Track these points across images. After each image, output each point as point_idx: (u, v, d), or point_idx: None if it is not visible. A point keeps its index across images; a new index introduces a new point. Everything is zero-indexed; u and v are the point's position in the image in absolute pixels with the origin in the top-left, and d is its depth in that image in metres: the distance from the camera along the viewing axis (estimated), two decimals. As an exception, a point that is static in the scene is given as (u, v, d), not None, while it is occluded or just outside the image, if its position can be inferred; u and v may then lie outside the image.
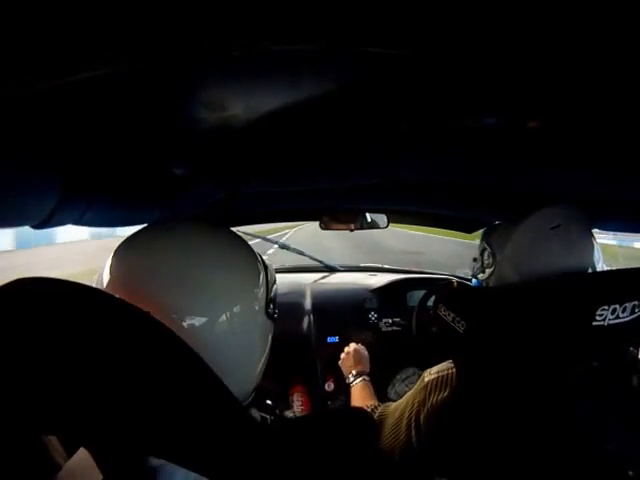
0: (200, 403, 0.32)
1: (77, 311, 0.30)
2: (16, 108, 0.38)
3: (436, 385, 0.64)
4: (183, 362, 0.32)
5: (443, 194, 1.01)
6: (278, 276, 1.87)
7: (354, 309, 1.50)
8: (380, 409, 0.82)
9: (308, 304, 1.52)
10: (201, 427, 0.31)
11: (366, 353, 1.15)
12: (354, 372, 1.06)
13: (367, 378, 1.04)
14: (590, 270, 0.60)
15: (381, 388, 1.28)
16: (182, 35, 0.32)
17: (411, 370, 1.32)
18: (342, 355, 1.17)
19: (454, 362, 0.62)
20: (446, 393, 0.61)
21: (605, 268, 0.65)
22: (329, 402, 1.41)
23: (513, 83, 0.43)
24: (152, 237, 0.44)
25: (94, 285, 0.42)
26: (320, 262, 1.84)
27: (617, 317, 0.52)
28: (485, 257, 0.72)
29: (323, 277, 1.76)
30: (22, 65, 0.32)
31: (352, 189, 1.02)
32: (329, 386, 1.41)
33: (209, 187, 0.83)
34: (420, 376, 1.04)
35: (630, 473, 0.51)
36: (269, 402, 0.51)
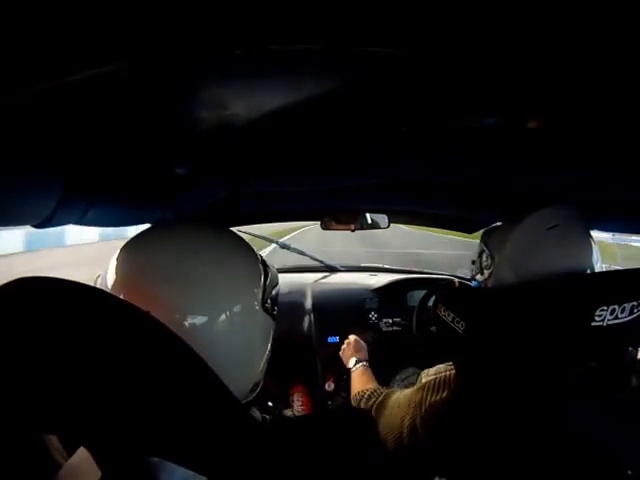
0: (199, 402, 0.32)
1: (76, 310, 0.30)
2: (17, 108, 0.38)
3: (433, 386, 0.64)
4: (183, 361, 0.32)
5: (443, 194, 1.01)
6: (279, 276, 1.86)
7: (354, 309, 1.51)
8: (381, 397, 0.82)
9: (309, 304, 1.52)
10: (200, 426, 0.31)
11: (364, 344, 1.20)
12: (354, 359, 1.11)
13: (366, 364, 1.07)
14: (589, 271, 0.60)
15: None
16: (183, 34, 0.32)
17: (410, 370, 1.32)
18: (343, 347, 1.20)
19: (453, 362, 0.62)
20: (443, 394, 0.61)
21: (604, 268, 0.65)
22: (329, 402, 1.41)
23: (513, 83, 0.43)
24: (155, 238, 0.45)
25: (98, 285, 0.42)
26: (321, 262, 1.84)
27: (616, 317, 0.52)
28: (483, 259, 0.72)
29: (324, 277, 1.76)
30: (21, 65, 0.32)
31: (352, 189, 1.02)
32: (329, 386, 1.41)
33: (209, 187, 0.84)
34: (419, 376, 1.05)
35: (629, 472, 0.51)
36: (270, 404, 0.51)
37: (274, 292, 0.50)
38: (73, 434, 0.33)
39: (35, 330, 0.29)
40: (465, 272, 1.91)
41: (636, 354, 0.59)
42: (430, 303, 1.34)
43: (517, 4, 0.30)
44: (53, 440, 0.37)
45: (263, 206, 1.27)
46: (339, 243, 8.01)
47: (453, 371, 0.63)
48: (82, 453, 0.35)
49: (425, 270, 1.90)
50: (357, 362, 1.09)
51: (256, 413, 0.52)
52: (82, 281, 0.32)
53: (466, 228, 1.37)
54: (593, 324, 0.51)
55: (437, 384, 0.64)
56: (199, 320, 0.40)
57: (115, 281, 0.41)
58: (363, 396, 0.87)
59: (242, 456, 0.33)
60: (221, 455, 0.32)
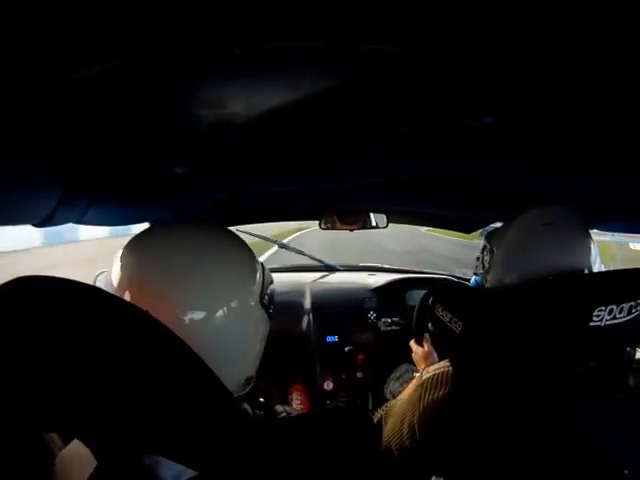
0: (197, 400, 0.32)
1: (75, 310, 0.30)
2: (17, 108, 0.38)
3: (432, 383, 0.64)
4: (181, 360, 0.32)
5: (443, 194, 1.01)
6: (278, 275, 1.86)
7: (353, 309, 1.51)
8: (394, 400, 0.82)
9: (307, 303, 1.52)
10: (197, 423, 0.31)
11: (427, 350, 1.05)
12: (419, 368, 1.03)
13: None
14: (587, 271, 0.60)
15: (379, 387, 1.29)
16: (182, 33, 0.32)
17: (404, 367, 1.30)
18: (413, 348, 1.09)
19: (451, 362, 0.62)
20: (442, 392, 0.61)
21: (603, 268, 0.65)
22: (328, 401, 1.41)
23: (512, 83, 0.43)
24: (157, 237, 0.47)
25: (103, 284, 0.44)
26: (320, 261, 1.85)
27: (614, 318, 0.52)
28: (485, 254, 0.72)
29: (323, 276, 1.76)
30: (21, 64, 0.32)
31: (352, 189, 1.02)
32: (328, 385, 1.42)
33: (209, 187, 0.83)
34: (413, 373, 1.04)
35: (626, 472, 0.51)
36: (262, 399, 0.52)
37: (269, 290, 0.51)
38: (71, 432, 0.33)
39: (34, 329, 0.29)
40: (463, 272, 1.92)
41: (634, 354, 0.59)
42: (430, 303, 1.33)
43: (517, 4, 0.30)
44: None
45: (263, 206, 1.27)
46: (340, 246, 7.83)
47: (452, 368, 0.63)
48: (76, 442, 0.36)
49: (424, 270, 1.90)
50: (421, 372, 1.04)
51: (248, 408, 0.53)
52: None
53: (465, 228, 1.38)
54: (591, 324, 0.52)
55: (435, 381, 0.64)
56: (198, 315, 0.42)
57: (120, 279, 0.43)
58: (387, 404, 0.86)
59: (236, 452, 0.33)
60: (216, 451, 0.32)
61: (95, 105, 0.45)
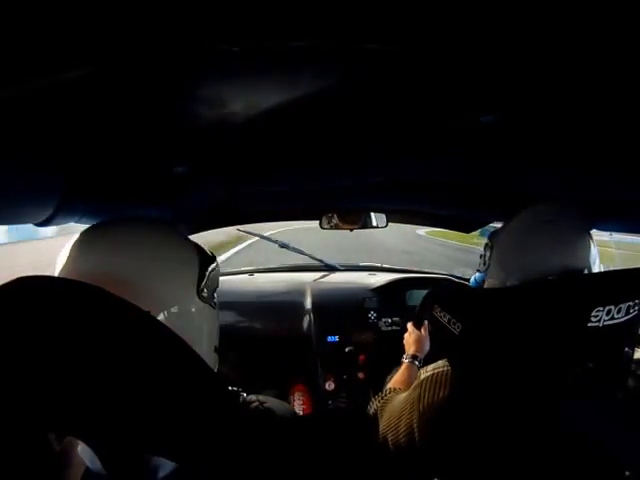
0: (198, 401, 0.32)
1: (76, 310, 0.30)
2: (17, 108, 0.38)
3: (431, 383, 0.64)
4: (182, 360, 0.32)
5: (443, 194, 1.01)
6: (278, 275, 1.86)
7: (354, 308, 1.51)
8: (391, 394, 0.82)
9: (308, 303, 1.52)
10: (200, 423, 0.32)
11: (421, 335, 1.10)
12: (406, 353, 1.07)
13: (413, 360, 1.03)
14: (586, 270, 0.60)
15: (380, 387, 1.29)
16: (182, 32, 0.32)
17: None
18: (406, 335, 1.13)
19: (450, 363, 0.62)
20: (441, 392, 0.61)
21: (602, 269, 0.64)
22: (329, 401, 1.41)
23: (511, 81, 0.43)
24: (92, 236, 0.46)
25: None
26: (320, 261, 1.85)
27: (612, 318, 0.52)
28: (487, 251, 0.72)
29: (323, 276, 1.76)
30: (21, 63, 0.32)
31: (352, 188, 1.02)
32: (329, 385, 1.42)
33: (209, 187, 0.84)
34: (402, 358, 1.04)
35: (627, 473, 0.51)
36: (234, 388, 0.51)
37: (211, 282, 0.50)
38: (71, 431, 0.34)
39: (35, 329, 0.29)
40: (463, 272, 1.92)
41: (633, 354, 0.59)
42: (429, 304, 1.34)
43: (516, 3, 0.30)
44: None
45: (263, 206, 1.27)
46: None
47: (450, 368, 0.63)
48: (71, 440, 0.36)
49: (424, 270, 1.90)
50: (407, 357, 1.05)
51: (247, 407, 0.52)
52: None
53: (465, 227, 1.38)
54: (589, 325, 0.51)
55: (435, 380, 0.64)
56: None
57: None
58: (382, 394, 0.86)
59: (236, 452, 0.33)
60: (216, 451, 0.32)
61: (95, 105, 0.45)
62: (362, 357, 1.44)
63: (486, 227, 1.29)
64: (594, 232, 0.68)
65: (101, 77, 0.37)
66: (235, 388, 0.52)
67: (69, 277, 0.38)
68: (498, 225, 0.79)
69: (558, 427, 0.53)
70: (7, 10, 0.26)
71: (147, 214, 0.76)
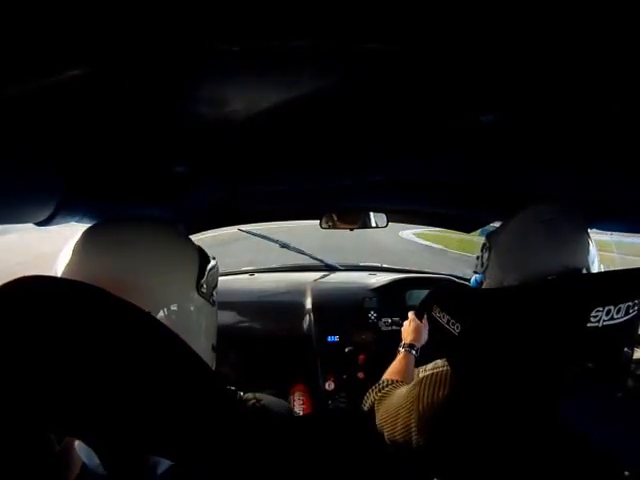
0: (200, 401, 0.32)
1: (76, 310, 0.30)
2: (17, 108, 0.38)
3: (430, 382, 0.64)
4: (183, 361, 0.32)
5: (443, 194, 1.01)
6: (278, 275, 1.86)
7: (354, 308, 1.51)
8: (388, 388, 0.82)
9: (308, 303, 1.53)
10: (201, 424, 0.32)
11: (420, 325, 1.11)
12: (403, 342, 1.07)
13: (411, 350, 1.03)
14: (585, 270, 0.60)
15: None
16: (182, 32, 0.32)
17: None
18: (405, 323, 1.14)
19: (449, 363, 0.62)
20: (440, 392, 0.61)
21: (602, 269, 0.64)
22: (329, 401, 1.41)
23: (511, 80, 0.43)
24: (98, 236, 0.46)
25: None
26: (320, 261, 1.85)
27: (611, 318, 0.52)
28: (484, 252, 0.72)
29: (323, 276, 1.76)
30: (21, 63, 0.32)
31: (352, 188, 1.02)
32: (329, 385, 1.42)
33: (209, 186, 0.84)
34: (398, 347, 1.04)
35: (626, 473, 0.51)
36: (231, 387, 0.51)
37: (211, 279, 0.50)
38: (71, 431, 0.34)
39: (35, 330, 0.29)
40: (463, 272, 1.92)
41: (632, 354, 0.59)
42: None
43: (516, 3, 0.30)
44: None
45: (263, 206, 1.27)
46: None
47: (450, 368, 0.63)
48: (69, 440, 0.36)
49: (424, 270, 1.90)
50: (404, 346, 1.05)
51: (247, 406, 0.52)
52: None
53: (465, 227, 1.38)
54: (589, 325, 0.51)
55: (434, 380, 0.63)
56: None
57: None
58: (379, 385, 0.86)
59: (236, 452, 0.33)
60: (217, 451, 0.32)
61: (95, 105, 0.45)
62: (362, 357, 1.44)
63: (486, 227, 1.29)
64: (594, 232, 0.68)
65: (101, 77, 0.37)
66: (233, 387, 0.52)
67: (73, 277, 0.38)
68: (497, 225, 0.79)
69: (557, 427, 0.53)
70: (7, 10, 0.26)
71: (147, 214, 0.76)
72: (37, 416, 0.30)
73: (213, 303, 0.51)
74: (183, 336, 0.32)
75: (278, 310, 1.54)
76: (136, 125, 0.53)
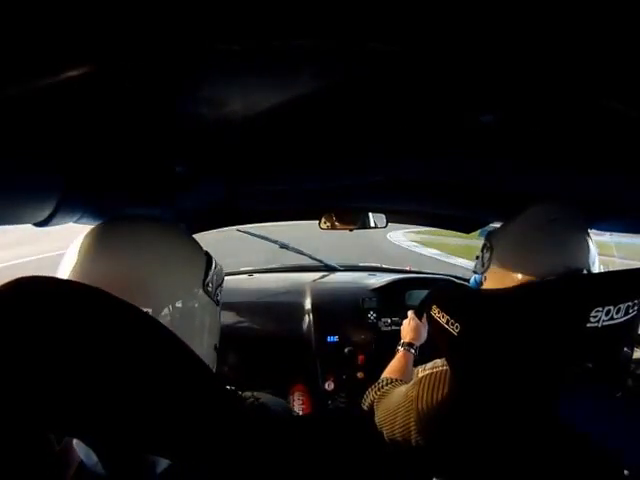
0: (199, 403, 0.32)
1: (75, 312, 0.30)
2: (17, 108, 0.38)
3: (430, 382, 0.64)
4: (182, 362, 0.32)
5: (443, 194, 1.01)
6: (278, 275, 1.86)
7: (353, 309, 1.51)
8: (387, 387, 0.82)
9: (308, 303, 1.53)
10: (200, 424, 0.32)
11: (419, 324, 1.11)
12: (402, 341, 1.07)
13: (409, 349, 1.03)
14: (586, 271, 0.60)
15: None
16: (182, 31, 0.32)
17: None
18: (404, 321, 1.14)
19: (449, 363, 0.62)
20: (440, 392, 0.61)
21: (602, 269, 0.64)
22: (329, 401, 1.41)
23: (511, 80, 0.43)
24: (102, 235, 0.46)
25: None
26: (320, 261, 1.85)
27: (611, 318, 0.52)
28: (485, 252, 0.72)
29: (322, 277, 1.76)
30: (21, 63, 0.32)
31: (352, 188, 1.02)
32: (329, 385, 1.42)
33: (209, 186, 0.84)
34: (398, 346, 1.05)
35: (626, 473, 0.51)
36: (230, 387, 0.51)
37: (216, 277, 0.51)
38: (70, 431, 0.34)
39: (34, 331, 0.29)
40: (463, 272, 1.92)
41: (631, 354, 0.59)
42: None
43: (516, 2, 0.30)
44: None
45: (263, 206, 1.27)
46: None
47: (449, 368, 0.63)
48: (68, 440, 0.36)
49: (424, 270, 1.90)
50: (403, 345, 1.05)
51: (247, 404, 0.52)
52: None
53: (465, 228, 1.38)
54: (588, 325, 0.51)
55: (434, 380, 0.63)
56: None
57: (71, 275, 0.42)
58: (378, 384, 0.86)
59: (236, 452, 0.33)
60: (217, 451, 0.32)
61: (95, 105, 0.45)
62: (361, 357, 1.44)
63: (485, 227, 1.29)
64: (594, 233, 0.68)
65: (101, 77, 0.37)
66: (232, 387, 0.52)
67: (80, 279, 0.38)
68: (496, 225, 0.79)
69: (557, 427, 0.53)
70: (7, 10, 0.26)
71: (147, 214, 0.76)
72: (37, 416, 0.30)
73: (217, 302, 0.52)
74: (187, 334, 0.32)
75: (277, 310, 1.54)
76: (136, 125, 0.53)
